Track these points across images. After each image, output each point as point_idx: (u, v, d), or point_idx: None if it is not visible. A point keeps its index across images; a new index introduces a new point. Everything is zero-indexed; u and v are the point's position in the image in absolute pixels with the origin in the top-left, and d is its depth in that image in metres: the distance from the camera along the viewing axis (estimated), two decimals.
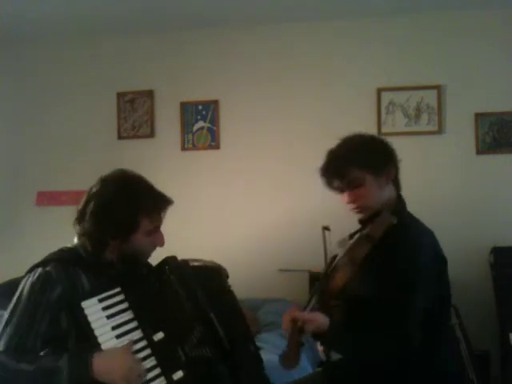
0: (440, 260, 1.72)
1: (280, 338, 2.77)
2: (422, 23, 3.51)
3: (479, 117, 3.42)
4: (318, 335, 1.63)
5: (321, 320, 1.61)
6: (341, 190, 1.76)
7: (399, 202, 1.78)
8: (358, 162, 1.70)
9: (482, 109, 3.42)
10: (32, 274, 1.51)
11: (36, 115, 3.96)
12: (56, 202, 3.85)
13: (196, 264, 1.64)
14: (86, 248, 1.57)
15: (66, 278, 1.50)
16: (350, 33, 3.59)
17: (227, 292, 1.68)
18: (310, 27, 3.62)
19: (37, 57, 3.98)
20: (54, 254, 1.59)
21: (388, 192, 1.75)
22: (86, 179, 4.29)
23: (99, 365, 1.37)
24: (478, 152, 3.43)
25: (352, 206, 1.75)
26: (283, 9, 3.45)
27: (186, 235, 3.62)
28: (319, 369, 2.02)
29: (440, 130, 3.47)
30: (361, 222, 1.81)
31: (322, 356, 1.79)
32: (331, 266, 1.72)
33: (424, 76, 3.49)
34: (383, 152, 1.77)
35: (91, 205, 1.54)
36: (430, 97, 3.47)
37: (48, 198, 3.88)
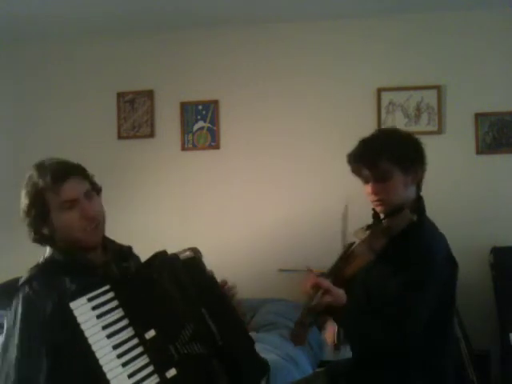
0: (452, 263, 1.74)
1: (280, 338, 2.78)
2: (422, 23, 3.51)
3: (479, 117, 3.42)
4: (330, 311, 1.62)
5: (341, 293, 1.61)
6: (367, 180, 1.76)
7: (420, 202, 1.80)
8: (391, 156, 1.70)
9: (482, 109, 3.42)
10: (19, 297, 1.49)
11: (36, 115, 3.96)
12: None
13: (183, 256, 1.61)
14: (60, 250, 1.57)
15: (53, 289, 1.47)
16: (350, 32, 3.59)
17: (212, 279, 1.65)
18: (310, 27, 3.62)
19: (37, 57, 3.98)
20: (33, 269, 1.57)
21: (410, 191, 1.77)
22: None
23: None
24: (478, 152, 3.43)
25: (374, 197, 1.75)
26: (283, 9, 3.45)
27: (185, 235, 3.62)
28: (319, 369, 2.02)
29: (440, 130, 3.47)
30: (376, 216, 1.81)
31: (330, 344, 1.79)
32: (347, 252, 1.72)
33: (424, 76, 3.49)
34: (416, 152, 1.78)
35: None
36: (430, 97, 3.47)
37: None
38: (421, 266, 1.63)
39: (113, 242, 1.72)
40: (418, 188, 1.82)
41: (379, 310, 1.62)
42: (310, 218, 3.52)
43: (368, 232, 1.76)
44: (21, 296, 1.49)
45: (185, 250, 1.64)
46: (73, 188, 1.57)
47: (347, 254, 1.71)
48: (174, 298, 1.49)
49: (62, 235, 1.57)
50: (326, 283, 1.61)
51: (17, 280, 1.60)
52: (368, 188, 1.76)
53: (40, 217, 1.57)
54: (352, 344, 1.77)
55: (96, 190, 1.67)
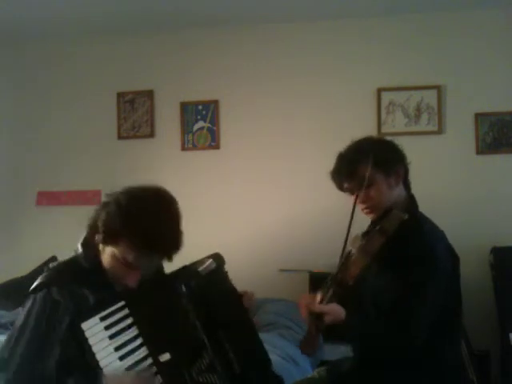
0: (453, 257, 1.74)
1: (280, 338, 2.78)
2: (422, 23, 3.51)
3: (479, 117, 3.42)
4: (332, 326, 1.63)
5: (338, 311, 1.62)
6: (351, 192, 1.77)
7: (411, 201, 1.80)
8: (367, 162, 1.71)
9: (482, 109, 3.42)
10: (37, 299, 1.42)
11: (36, 115, 3.96)
12: (56, 202, 3.86)
13: (203, 269, 1.54)
14: (87, 256, 1.50)
15: (72, 301, 1.41)
16: (350, 32, 3.59)
17: (232, 292, 1.61)
18: (310, 27, 3.62)
19: (37, 57, 3.98)
20: (55, 272, 1.49)
21: (398, 192, 1.77)
22: (86, 179, 4.33)
23: None
24: (478, 152, 3.43)
25: (363, 206, 1.76)
26: (283, 9, 3.45)
27: (185, 235, 3.62)
28: (320, 368, 2.02)
29: (440, 130, 3.47)
30: (373, 221, 1.82)
31: None
32: (345, 259, 1.73)
33: (424, 76, 3.49)
34: (392, 152, 1.79)
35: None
36: (430, 97, 3.47)
37: (48, 198, 3.88)
38: (422, 265, 1.63)
39: None
40: (407, 186, 1.82)
41: (385, 313, 1.62)
42: (310, 217, 3.52)
43: (363, 239, 1.77)
44: (38, 300, 1.41)
45: (208, 258, 1.60)
46: (144, 261, 1.43)
47: (345, 262, 1.72)
48: (192, 321, 1.41)
49: (103, 260, 1.48)
50: (320, 308, 1.62)
51: (17, 280, 1.59)
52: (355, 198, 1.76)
53: (102, 236, 1.44)
54: (360, 348, 1.76)
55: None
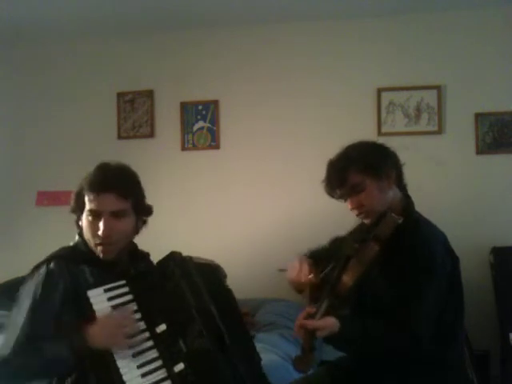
0: (452, 258, 1.74)
1: (280, 338, 2.77)
2: (422, 23, 3.51)
3: (479, 117, 3.42)
4: (328, 338, 1.63)
5: (332, 324, 1.61)
6: (344, 198, 1.77)
7: (407, 202, 1.79)
8: (356, 168, 1.72)
9: (482, 109, 3.42)
10: (36, 274, 1.55)
11: (36, 115, 3.96)
12: (56, 202, 3.85)
13: (198, 261, 1.66)
14: (86, 242, 1.63)
15: (69, 273, 1.54)
16: (349, 33, 3.59)
17: (227, 290, 1.71)
18: (310, 27, 3.61)
19: (37, 57, 3.98)
20: (56, 251, 1.64)
21: (392, 194, 1.76)
22: None
23: (92, 332, 1.42)
24: (478, 152, 3.43)
25: (356, 211, 1.76)
26: (283, 9, 3.45)
27: (185, 235, 3.62)
28: (320, 368, 2.02)
29: (440, 130, 3.47)
30: (368, 226, 1.81)
31: None
32: (341, 268, 1.72)
33: (424, 76, 3.49)
34: (382, 156, 1.78)
35: None
36: (430, 97, 3.47)
37: (48, 198, 3.88)
38: (421, 268, 1.63)
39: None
40: (403, 188, 1.81)
41: (385, 316, 1.62)
42: (309, 217, 3.52)
43: (358, 245, 1.75)
44: (35, 273, 1.55)
45: (208, 260, 1.72)
46: (102, 202, 1.59)
47: (341, 270, 1.71)
48: (185, 294, 1.52)
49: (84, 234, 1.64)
50: (312, 324, 1.61)
51: (17, 280, 1.64)
52: (348, 204, 1.77)
53: (78, 210, 1.66)
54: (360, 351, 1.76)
55: (138, 210, 1.68)
